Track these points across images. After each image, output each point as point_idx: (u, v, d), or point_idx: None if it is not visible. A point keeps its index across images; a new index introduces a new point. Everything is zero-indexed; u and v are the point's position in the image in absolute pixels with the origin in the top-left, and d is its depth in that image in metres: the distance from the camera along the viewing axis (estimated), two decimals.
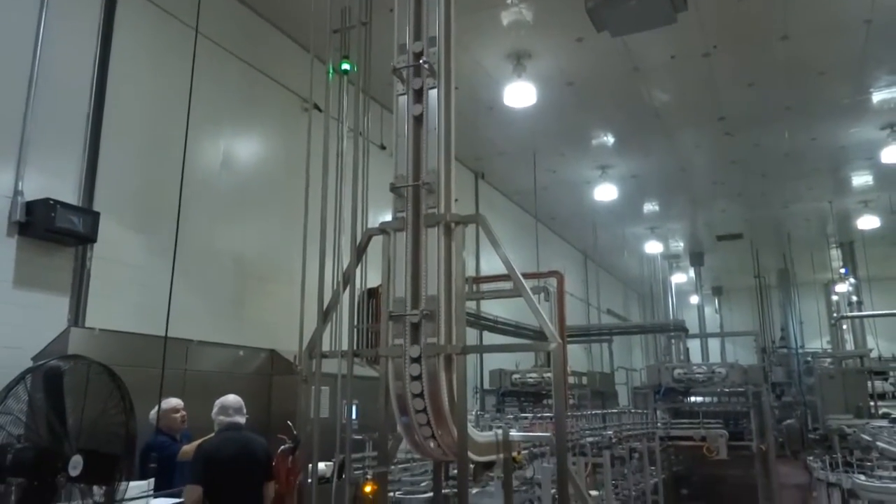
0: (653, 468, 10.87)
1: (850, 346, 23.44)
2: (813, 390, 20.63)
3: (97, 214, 6.84)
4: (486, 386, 14.57)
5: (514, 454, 5.37)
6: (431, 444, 4.72)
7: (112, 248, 7.13)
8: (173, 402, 5.49)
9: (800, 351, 25.52)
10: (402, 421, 4.72)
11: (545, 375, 12.95)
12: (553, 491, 6.73)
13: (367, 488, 4.42)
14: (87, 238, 6.76)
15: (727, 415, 12.26)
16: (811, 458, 13.83)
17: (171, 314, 5.51)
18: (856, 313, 22.37)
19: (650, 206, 18.95)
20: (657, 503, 10.90)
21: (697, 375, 12.40)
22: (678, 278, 25.69)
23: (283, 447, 4.78)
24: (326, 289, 5.14)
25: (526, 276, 4.60)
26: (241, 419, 4.73)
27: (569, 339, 15.35)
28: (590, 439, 8.04)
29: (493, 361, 14.99)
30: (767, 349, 24.70)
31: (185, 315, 7.19)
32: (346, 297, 4.92)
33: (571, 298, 21.80)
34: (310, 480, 4.78)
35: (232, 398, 4.75)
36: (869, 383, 16.95)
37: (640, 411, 10.83)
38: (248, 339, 8.17)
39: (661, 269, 24.92)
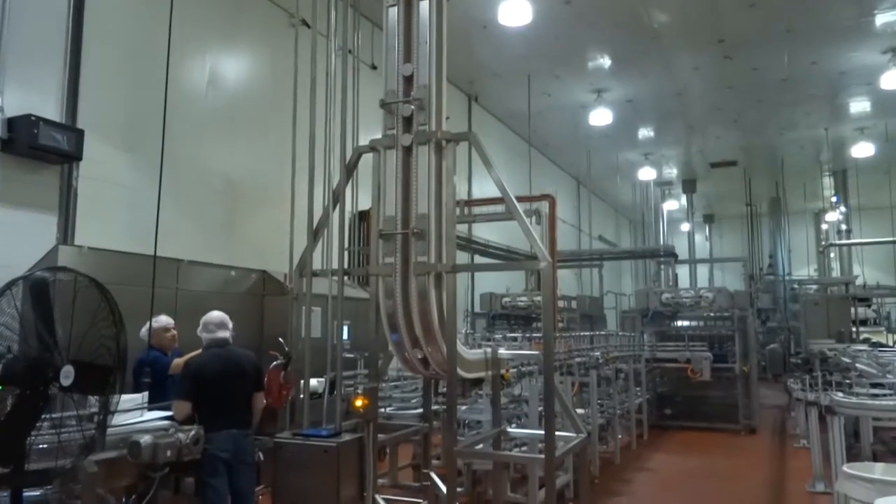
0: (638, 388, 11.16)
1: (836, 274, 23.76)
2: (797, 316, 21.05)
3: (81, 132, 6.70)
4: (477, 310, 14.75)
5: (503, 372, 5.47)
6: (421, 362, 4.80)
7: (99, 167, 7.02)
8: (164, 320, 5.52)
9: (787, 278, 25.89)
10: (393, 339, 4.78)
11: (535, 299, 13.09)
12: (540, 408, 6.91)
13: (358, 402, 4.50)
14: (72, 156, 6.64)
15: (712, 338, 12.50)
16: (791, 380, 14.28)
17: (161, 234, 5.46)
18: (844, 241, 22.52)
19: (645, 132, 18.75)
20: (641, 422, 11.24)
21: (685, 300, 12.57)
22: (670, 205, 25.68)
23: (274, 363, 4.84)
24: (317, 209, 5.11)
25: (518, 199, 4.57)
26: (226, 334, 4.73)
27: (559, 263, 15.47)
28: (577, 359, 8.20)
29: (484, 285, 15.12)
30: (755, 276, 25.04)
31: (174, 235, 7.17)
32: (336, 215, 4.90)
33: (563, 224, 21.82)
34: (301, 396, 4.88)
35: (215, 314, 4.75)
36: (852, 310, 17.23)
37: (627, 334, 11.03)
38: (240, 260, 8.17)
39: (654, 197, 24.88)
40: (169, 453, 3.74)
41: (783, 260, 27.33)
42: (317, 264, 5.01)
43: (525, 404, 6.60)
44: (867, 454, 7.77)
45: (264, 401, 4.72)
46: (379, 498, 4.61)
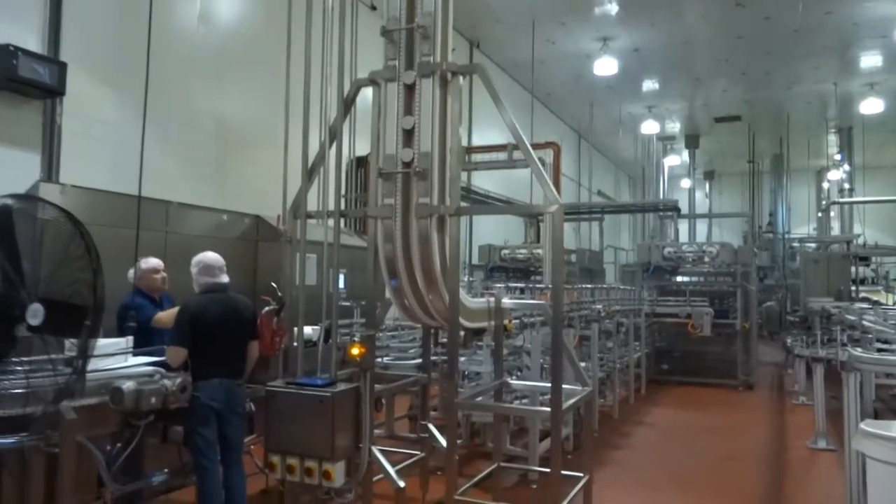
0: (637, 343, 11.03)
1: (836, 233, 23.58)
2: (796, 274, 20.96)
3: (64, 65, 6.36)
4: (475, 262, 14.56)
5: (506, 322, 5.26)
6: (421, 309, 4.57)
7: (84, 104, 6.69)
8: (153, 261, 5.26)
9: (786, 236, 25.73)
10: (392, 284, 4.54)
11: (535, 251, 12.87)
12: (542, 360, 6.74)
13: (355, 350, 4.28)
14: (54, 91, 6.31)
15: (713, 294, 12.33)
16: (790, 338, 14.19)
17: (149, 175, 5.20)
18: (848, 199, 22.27)
19: (650, 84, 18.28)
20: (639, 376, 11.14)
21: (687, 254, 12.35)
22: (671, 161, 25.28)
23: (267, 308, 4.62)
24: (312, 150, 4.81)
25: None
26: (226, 279, 4.53)
27: None
28: (580, 312, 8.01)
29: (482, 236, 14.89)
30: (754, 233, 24.83)
31: (163, 176, 6.88)
32: (333, 153, 4.60)
33: (564, 179, 21.51)
34: (295, 343, 4.67)
35: (213, 256, 4.52)
36: (852, 269, 17.09)
37: (628, 288, 10.83)
38: (233, 204, 7.90)
39: (656, 152, 24.50)
40: (154, 400, 3.53)
41: (783, 218, 27.16)
42: (312, 206, 4.73)
43: (527, 356, 6.42)
44: (869, 411, 7.66)
45: (257, 349, 4.51)
46: (375, 449, 4.43)
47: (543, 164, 10.54)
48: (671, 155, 25.40)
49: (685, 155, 25.13)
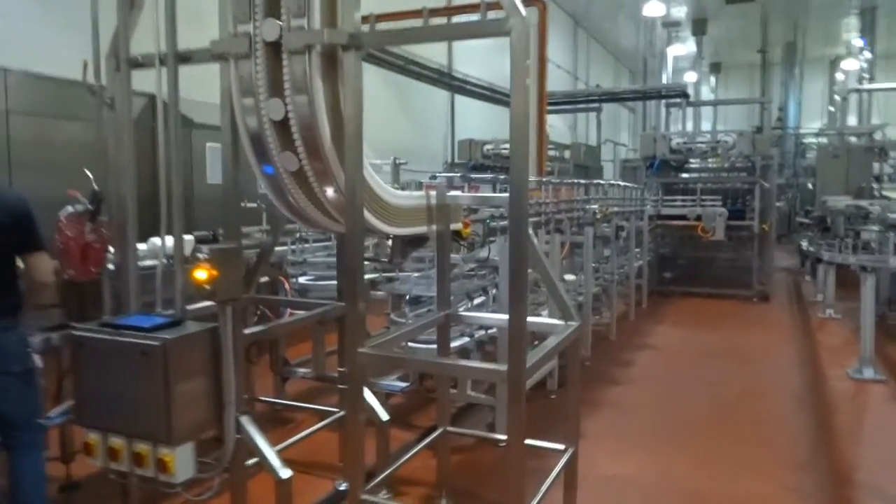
0: (638, 250, 9.47)
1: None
2: (808, 172, 19.35)
3: None
4: (457, 160, 12.87)
5: (461, 226, 3.63)
6: (315, 207, 2.94)
7: None
8: None
9: (797, 131, 23.91)
10: (265, 171, 2.88)
11: None
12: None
13: (201, 274, 2.67)
14: None
15: (726, 192, 10.66)
16: (804, 241, 12.67)
17: None
18: (870, 86, 20.25)
19: None
20: (640, 288, 9.65)
21: (699, 145, 10.58)
22: (676, 50, 23.05)
23: (71, 208, 2.98)
24: None
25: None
26: None
27: (552, 106, 13.32)
28: (570, 214, 6.37)
29: (465, 131, 13.10)
30: (763, 128, 22.95)
31: None
32: None
33: (558, 70, 19.41)
34: (113, 266, 3.06)
35: None
36: (875, 164, 15.41)
37: (631, 185, 9.16)
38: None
39: (659, 40, 22.28)
40: None
41: (794, 112, 25.24)
42: (140, 48, 3.01)
43: (496, 272, 4.83)
44: None
45: (47, 268, 2.89)
46: (246, 421, 2.89)
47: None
48: (676, 44, 23.16)
49: (690, 44, 22.90)
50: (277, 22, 2.55)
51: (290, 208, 3.00)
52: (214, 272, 2.69)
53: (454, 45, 12.88)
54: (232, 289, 2.80)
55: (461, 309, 4.60)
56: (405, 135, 12.55)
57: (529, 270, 2.81)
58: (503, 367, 2.41)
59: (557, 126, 17.85)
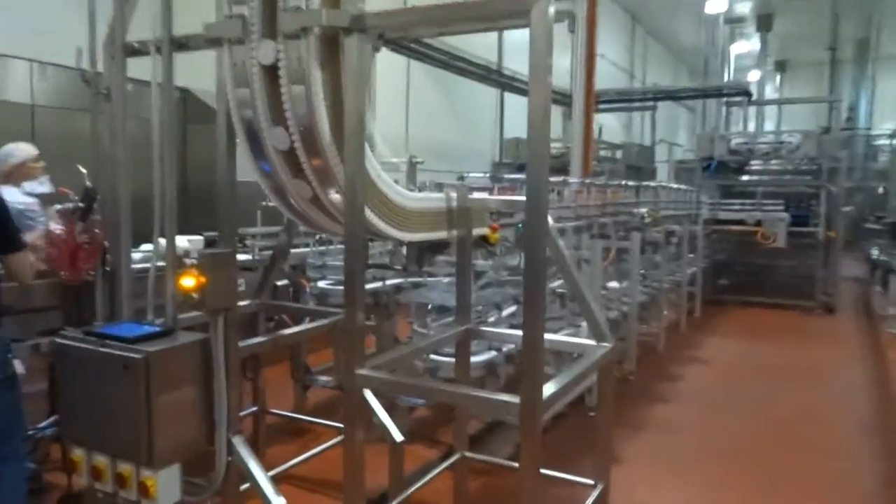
0: (692, 255, 8.96)
1: None
2: (881, 176, 18.38)
3: None
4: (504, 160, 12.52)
5: (485, 231, 3.32)
6: (314, 205, 2.68)
7: None
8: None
9: (869, 132, 22.71)
10: (261, 168, 2.63)
11: (570, 146, 10.67)
12: (555, 284, 4.84)
13: (187, 281, 2.44)
14: None
15: (788, 196, 10.02)
16: (875, 249, 11.88)
17: None
18: None
19: None
20: (693, 296, 9.13)
21: (761, 146, 9.97)
22: (739, 48, 22.14)
23: (60, 206, 2.79)
24: None
25: None
26: None
27: (605, 105, 12.83)
28: (616, 218, 5.97)
29: (514, 130, 12.72)
30: (831, 129, 21.87)
31: None
32: None
33: (613, 68, 18.84)
34: (108, 268, 2.86)
35: None
36: None
37: (684, 188, 8.66)
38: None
39: (721, 37, 21.40)
40: None
41: (865, 113, 23.96)
42: (137, 34, 2.80)
43: None
44: None
45: (27, 269, 2.69)
46: (238, 442, 2.65)
47: (574, 20, 8.20)
48: (739, 41, 22.25)
49: (754, 41, 21.95)
50: (275, 9, 2.29)
51: (291, 209, 2.74)
52: (203, 279, 2.45)
53: (504, 41, 12.51)
54: (223, 297, 2.55)
55: (491, 318, 4.31)
56: (451, 134, 12.26)
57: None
58: (515, 400, 2.09)
59: (611, 125, 17.31)
